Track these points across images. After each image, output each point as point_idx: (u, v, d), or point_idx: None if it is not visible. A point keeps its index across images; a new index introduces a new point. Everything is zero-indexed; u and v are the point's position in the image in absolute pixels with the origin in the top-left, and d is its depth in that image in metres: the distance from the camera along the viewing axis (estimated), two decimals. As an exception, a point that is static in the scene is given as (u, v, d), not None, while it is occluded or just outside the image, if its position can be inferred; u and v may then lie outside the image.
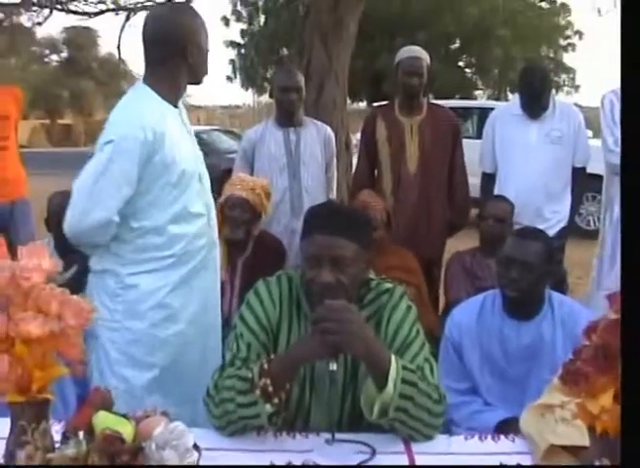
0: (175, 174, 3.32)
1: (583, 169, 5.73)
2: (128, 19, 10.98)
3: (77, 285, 3.48)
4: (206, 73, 3.59)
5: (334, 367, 2.52)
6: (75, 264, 3.51)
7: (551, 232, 5.21)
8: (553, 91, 6.04)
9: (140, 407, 3.17)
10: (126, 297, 3.33)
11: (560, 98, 6.33)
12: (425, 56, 5.51)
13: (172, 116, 3.39)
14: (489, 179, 5.80)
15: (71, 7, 11.13)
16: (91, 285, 3.41)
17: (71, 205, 3.24)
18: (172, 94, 3.42)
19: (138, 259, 3.32)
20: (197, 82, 3.56)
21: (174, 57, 3.37)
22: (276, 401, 2.51)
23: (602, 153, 5.37)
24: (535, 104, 5.61)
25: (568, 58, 27.31)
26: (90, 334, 3.33)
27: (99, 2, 11.01)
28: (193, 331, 3.44)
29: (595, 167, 5.77)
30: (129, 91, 3.49)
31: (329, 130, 5.74)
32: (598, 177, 6.00)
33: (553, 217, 5.59)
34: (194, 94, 67.66)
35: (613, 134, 5.16)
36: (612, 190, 5.41)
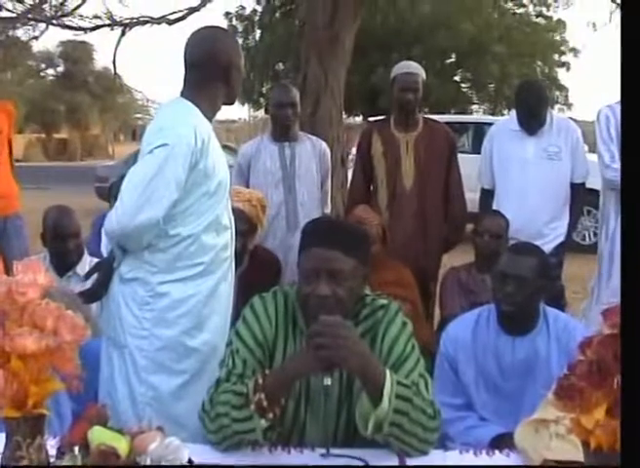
0: (213, 183, 3.41)
1: (583, 184, 5.73)
2: (123, 34, 10.98)
3: (95, 295, 3.56)
4: (238, 95, 3.75)
5: (328, 382, 2.53)
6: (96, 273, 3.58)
7: (549, 248, 5.21)
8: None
9: (168, 414, 3.28)
10: (155, 306, 3.37)
11: (560, 115, 6.34)
12: (421, 71, 5.53)
13: (210, 129, 3.49)
14: (487, 195, 5.80)
15: (67, 22, 11.13)
16: (117, 293, 3.44)
17: (121, 204, 3.28)
18: (209, 112, 3.52)
19: (170, 268, 3.37)
20: (231, 103, 3.69)
21: (216, 79, 3.52)
22: (271, 416, 2.52)
23: (598, 168, 5.38)
24: (532, 120, 5.61)
25: (562, 75, 27.35)
26: (114, 344, 3.41)
27: (94, 17, 11.00)
28: (218, 339, 3.47)
29: (591, 181, 5.77)
30: (168, 103, 3.61)
31: (324, 145, 5.76)
32: (594, 192, 6.00)
33: (551, 233, 5.57)
34: (190, 108, 67.43)
35: (609, 149, 5.18)
36: (608, 205, 5.42)
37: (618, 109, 5.21)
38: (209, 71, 3.50)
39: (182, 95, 3.52)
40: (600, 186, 5.73)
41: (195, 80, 3.51)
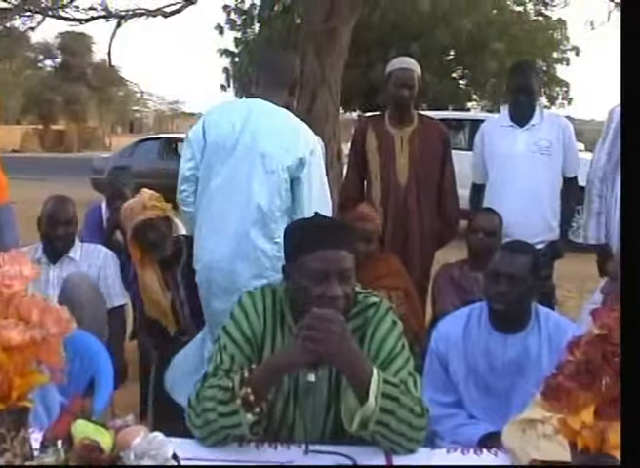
0: None
1: (575, 179, 5.72)
2: (119, 25, 11.02)
3: None
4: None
5: (312, 378, 2.52)
6: None
7: (541, 245, 5.20)
8: (545, 101, 6.01)
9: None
10: None
11: (550, 111, 6.32)
12: (416, 67, 5.50)
13: None
14: (478, 190, 5.79)
15: (62, 13, 11.17)
16: None
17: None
18: None
19: None
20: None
21: (289, 87, 4.29)
22: (257, 410, 2.51)
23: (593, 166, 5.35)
24: (522, 99, 5.55)
25: (561, 72, 27.31)
26: None
27: (89, 8, 11.05)
28: None
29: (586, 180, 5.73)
30: (265, 105, 4.15)
31: (319, 140, 5.73)
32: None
33: (544, 230, 5.55)
34: (188, 101, 67.94)
35: None
36: None
37: None
38: (289, 80, 4.29)
39: (267, 99, 4.16)
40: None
41: (276, 85, 4.23)
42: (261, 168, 3.98)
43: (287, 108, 4.18)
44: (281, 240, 3.03)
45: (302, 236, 2.77)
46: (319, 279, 2.65)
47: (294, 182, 4.01)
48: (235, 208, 4.00)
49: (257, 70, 4.43)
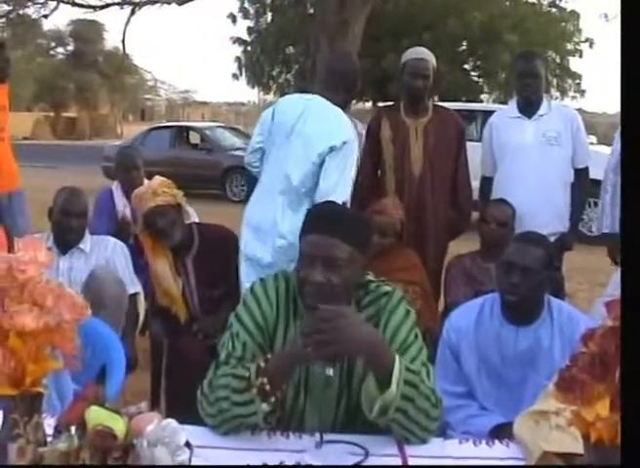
0: None
1: (586, 169, 5.71)
2: (133, 13, 11.01)
3: None
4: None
5: (330, 372, 2.51)
6: None
7: (552, 237, 5.18)
8: (557, 93, 6.00)
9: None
10: None
11: (558, 102, 6.30)
12: (431, 57, 5.47)
13: None
14: (488, 183, 5.79)
15: (76, 0, 11.16)
16: None
17: (333, 191, 4.57)
18: None
19: None
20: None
21: (348, 90, 4.99)
22: (273, 400, 2.51)
23: (606, 159, 5.34)
24: (529, 81, 5.56)
25: (574, 64, 27.24)
26: None
27: (104, -5, 11.04)
28: None
29: (598, 173, 5.71)
30: (322, 101, 4.84)
31: (360, 126, 5.76)
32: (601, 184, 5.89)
33: (553, 221, 5.53)
34: (199, 90, 67.88)
35: None
36: None
37: None
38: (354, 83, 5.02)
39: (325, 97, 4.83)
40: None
41: (340, 87, 4.92)
42: (302, 150, 4.66)
43: (343, 108, 4.84)
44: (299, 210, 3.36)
45: (308, 219, 2.81)
46: (305, 262, 2.67)
47: (321, 165, 4.64)
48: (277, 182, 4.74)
49: (320, 73, 5.04)
